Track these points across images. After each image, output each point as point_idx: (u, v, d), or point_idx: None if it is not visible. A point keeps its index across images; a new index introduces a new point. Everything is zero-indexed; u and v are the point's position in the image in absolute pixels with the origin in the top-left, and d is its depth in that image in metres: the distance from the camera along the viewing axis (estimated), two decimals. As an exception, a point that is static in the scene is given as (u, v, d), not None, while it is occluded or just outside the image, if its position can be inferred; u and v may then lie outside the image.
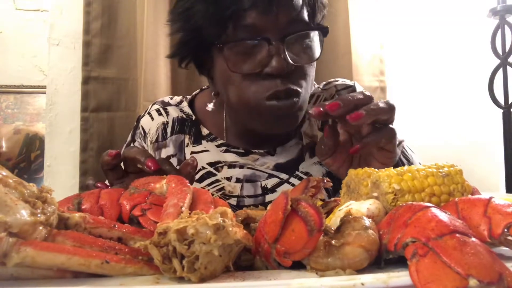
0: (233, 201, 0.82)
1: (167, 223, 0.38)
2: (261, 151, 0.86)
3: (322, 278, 0.36)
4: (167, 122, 0.91)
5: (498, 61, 1.55)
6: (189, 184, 0.52)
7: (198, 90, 1.00)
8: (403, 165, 0.79)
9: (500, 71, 1.55)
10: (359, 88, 0.96)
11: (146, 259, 0.40)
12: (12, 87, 2.05)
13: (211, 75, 0.82)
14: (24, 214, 0.36)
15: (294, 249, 0.38)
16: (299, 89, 0.73)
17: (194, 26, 0.76)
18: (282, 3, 0.70)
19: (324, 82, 0.99)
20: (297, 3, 0.71)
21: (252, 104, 0.74)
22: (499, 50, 1.54)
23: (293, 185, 0.84)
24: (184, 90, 1.45)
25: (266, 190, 0.83)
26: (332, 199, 0.59)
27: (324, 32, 0.76)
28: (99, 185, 0.64)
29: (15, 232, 0.36)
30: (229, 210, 0.40)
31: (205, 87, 0.99)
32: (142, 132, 0.92)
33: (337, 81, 0.97)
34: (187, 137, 0.89)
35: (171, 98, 0.98)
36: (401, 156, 0.89)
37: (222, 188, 0.83)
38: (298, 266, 0.39)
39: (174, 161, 0.87)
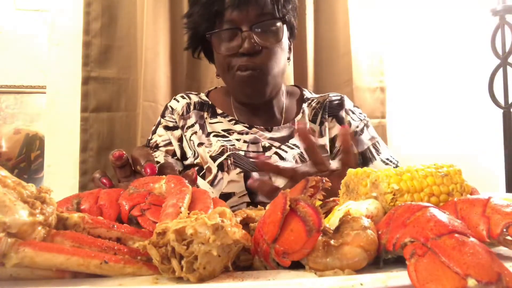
0: (242, 153, 1.05)
1: (166, 223, 0.38)
2: (261, 127, 1.11)
3: (321, 278, 0.36)
4: (190, 103, 1.16)
5: (498, 61, 1.55)
6: (188, 184, 0.52)
7: (213, 87, 1.24)
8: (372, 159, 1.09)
9: (500, 71, 1.55)
10: (347, 101, 1.18)
11: (145, 259, 0.40)
12: (12, 87, 2.05)
13: (214, 61, 1.11)
14: (22, 214, 0.36)
15: (293, 249, 0.38)
16: (262, 65, 0.98)
17: (194, 24, 1.06)
18: (251, 2, 0.96)
19: None
20: (262, 1, 0.97)
21: (229, 73, 1.01)
22: (499, 50, 1.54)
23: (284, 150, 1.06)
24: (184, 90, 1.45)
25: (265, 149, 1.07)
26: (331, 199, 0.59)
27: (283, 21, 1.01)
28: (104, 181, 0.67)
29: (14, 233, 0.36)
30: (228, 210, 0.40)
31: (218, 87, 1.25)
32: (171, 109, 1.15)
33: (331, 93, 1.22)
34: (205, 113, 1.15)
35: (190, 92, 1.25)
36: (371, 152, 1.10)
37: (234, 144, 1.07)
38: (297, 266, 0.39)
39: (196, 128, 1.10)
